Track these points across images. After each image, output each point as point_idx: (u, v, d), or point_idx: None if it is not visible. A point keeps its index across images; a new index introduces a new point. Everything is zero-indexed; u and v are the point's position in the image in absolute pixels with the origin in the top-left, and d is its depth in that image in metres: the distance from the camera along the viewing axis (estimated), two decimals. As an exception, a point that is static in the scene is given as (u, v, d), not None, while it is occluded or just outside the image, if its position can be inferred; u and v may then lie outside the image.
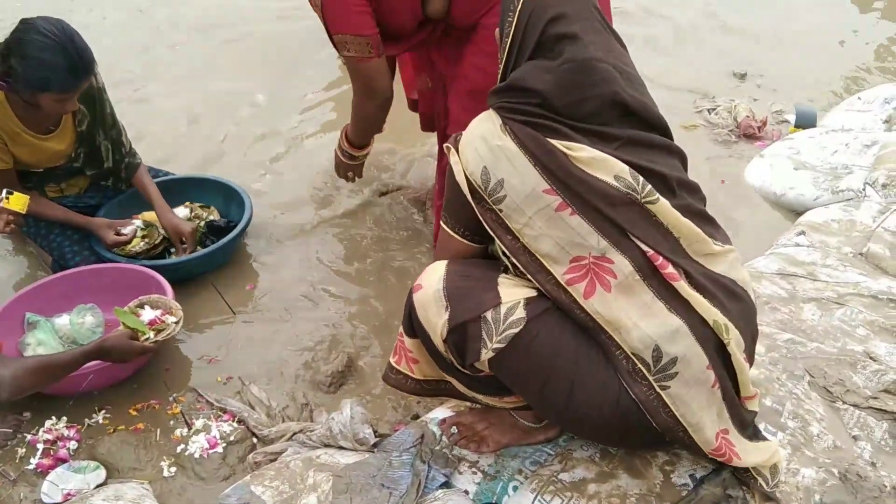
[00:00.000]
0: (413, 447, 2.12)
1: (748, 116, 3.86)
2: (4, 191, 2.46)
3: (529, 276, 1.77)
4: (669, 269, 1.71)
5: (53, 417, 2.39)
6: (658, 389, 1.71)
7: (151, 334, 2.37)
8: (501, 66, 1.87)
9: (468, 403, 2.18)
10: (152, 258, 2.97)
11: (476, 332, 1.75)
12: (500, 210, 1.77)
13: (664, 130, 1.89)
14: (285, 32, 5.00)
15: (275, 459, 2.20)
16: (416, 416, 2.36)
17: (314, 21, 2.68)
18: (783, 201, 3.35)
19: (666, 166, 1.82)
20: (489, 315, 1.74)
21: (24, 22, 2.61)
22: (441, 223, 1.96)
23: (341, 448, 2.17)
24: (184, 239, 3.00)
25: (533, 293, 1.77)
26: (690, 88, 4.27)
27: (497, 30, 1.92)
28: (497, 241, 1.82)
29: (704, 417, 1.74)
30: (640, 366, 1.71)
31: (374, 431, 2.22)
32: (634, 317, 1.69)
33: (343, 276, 3.05)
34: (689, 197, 1.83)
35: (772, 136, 3.80)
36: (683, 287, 1.71)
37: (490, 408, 2.07)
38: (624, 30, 4.31)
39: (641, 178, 1.74)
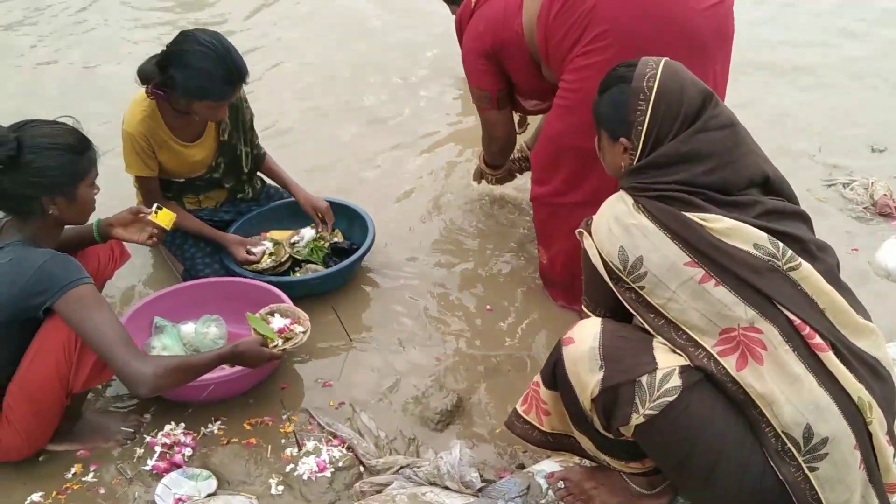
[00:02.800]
0: (519, 497, 2.11)
1: (885, 195, 3.73)
2: (155, 205, 2.57)
3: (679, 353, 1.75)
4: (817, 340, 1.69)
5: (172, 423, 2.47)
6: (807, 471, 1.67)
7: (280, 342, 2.43)
8: (637, 151, 1.88)
9: (578, 459, 2.16)
10: (277, 276, 3.05)
11: (629, 396, 1.73)
12: (642, 287, 1.78)
13: (794, 199, 1.90)
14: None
15: (380, 491, 2.22)
16: (522, 466, 2.34)
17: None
18: (917, 286, 3.21)
19: (801, 231, 1.81)
20: (644, 380, 1.72)
21: (183, 34, 2.78)
22: (582, 307, 1.99)
23: (447, 488, 2.17)
24: (321, 214, 3.22)
25: (688, 362, 1.75)
26: (824, 160, 4.15)
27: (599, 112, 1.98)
28: (640, 320, 1.81)
29: (850, 502, 1.69)
30: (789, 445, 1.67)
31: (480, 476, 2.21)
32: (787, 392, 1.66)
33: (458, 310, 3.07)
34: (828, 259, 1.82)
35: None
36: (831, 359, 1.68)
37: (601, 467, 2.05)
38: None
39: (781, 245, 1.74)
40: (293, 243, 3.20)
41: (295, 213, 3.31)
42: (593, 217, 1.91)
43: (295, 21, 5.84)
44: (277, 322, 2.51)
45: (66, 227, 2.41)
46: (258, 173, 3.36)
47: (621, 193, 1.88)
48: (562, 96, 2.64)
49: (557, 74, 2.67)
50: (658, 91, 1.84)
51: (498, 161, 3.39)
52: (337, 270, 3.03)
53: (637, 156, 1.88)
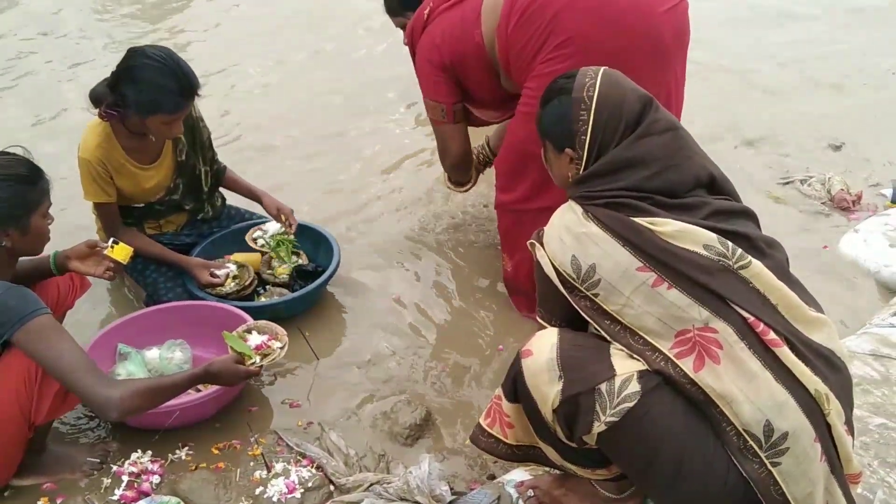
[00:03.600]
0: (489, 507, 2.11)
1: (842, 189, 3.78)
2: (111, 240, 2.55)
3: (636, 358, 1.76)
4: (771, 336, 1.71)
5: (139, 451, 2.44)
6: (769, 466, 1.69)
7: (258, 359, 2.41)
8: (583, 161, 1.90)
9: (548, 468, 2.16)
10: (241, 299, 3.04)
11: (589, 404, 1.74)
12: (596, 295, 1.79)
13: (737, 197, 1.95)
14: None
15: (351, 509, 2.22)
16: (493, 476, 2.34)
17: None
18: (877, 278, 3.26)
19: (749, 229, 1.84)
20: (603, 387, 1.74)
21: (131, 50, 2.77)
22: (537, 317, 2.01)
23: (417, 503, 2.17)
24: (284, 216, 3.22)
25: (646, 366, 1.76)
26: (780, 159, 4.21)
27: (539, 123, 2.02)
28: (595, 327, 1.83)
29: (814, 494, 1.71)
30: (751, 442, 1.69)
31: (451, 488, 2.21)
32: (745, 389, 1.68)
33: (425, 328, 3.07)
34: (777, 255, 1.85)
35: (867, 210, 3.72)
36: (786, 354, 1.70)
37: (570, 474, 2.06)
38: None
39: (731, 244, 1.77)
40: (255, 238, 3.21)
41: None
42: (544, 228, 1.93)
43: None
44: (255, 339, 2.50)
45: (22, 258, 2.38)
46: (220, 189, 3.35)
47: (570, 203, 1.90)
48: (525, 103, 2.65)
49: (519, 82, 2.69)
50: (598, 100, 1.88)
51: (455, 175, 3.38)
52: (303, 294, 3.02)
53: (583, 165, 1.90)
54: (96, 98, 2.84)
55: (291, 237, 3.21)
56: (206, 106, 3.19)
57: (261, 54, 5.64)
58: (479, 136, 3.45)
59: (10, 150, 2.26)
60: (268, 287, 3.16)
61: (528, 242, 1.96)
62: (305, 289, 3.03)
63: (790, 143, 4.36)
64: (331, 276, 3.11)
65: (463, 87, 2.93)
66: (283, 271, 3.19)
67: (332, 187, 4.06)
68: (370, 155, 4.37)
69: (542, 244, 1.91)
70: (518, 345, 2.78)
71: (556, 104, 1.94)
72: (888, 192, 3.78)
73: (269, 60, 5.57)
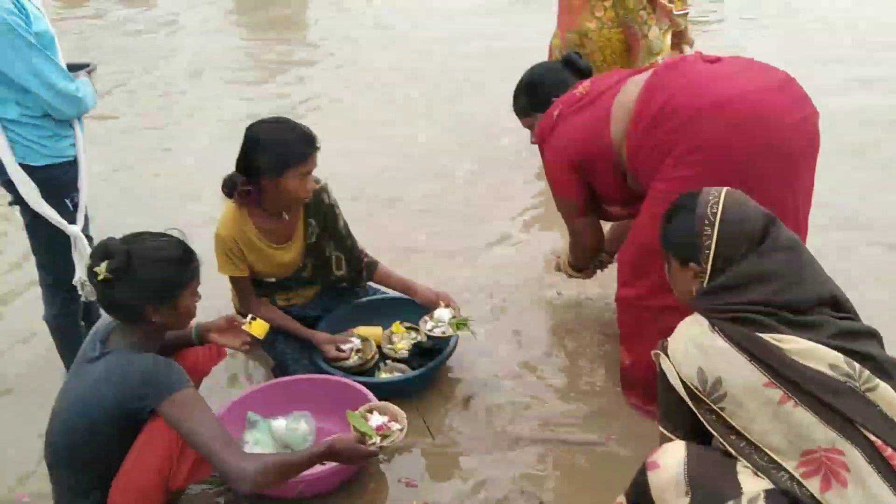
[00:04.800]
0: None
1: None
2: (249, 316, 2.72)
3: (762, 476, 1.78)
4: None
5: (262, 519, 2.56)
6: None
7: (378, 439, 2.49)
8: (707, 275, 1.94)
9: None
10: (363, 372, 3.16)
11: None
12: (723, 408, 1.82)
13: (857, 317, 1.96)
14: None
15: None
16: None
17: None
18: None
19: (874, 350, 1.84)
20: None
21: (248, 128, 3.02)
22: (660, 427, 2.04)
23: None
24: (446, 302, 3.30)
25: (771, 485, 1.77)
26: None
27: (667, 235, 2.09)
28: (721, 442, 1.85)
29: None
30: None
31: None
32: None
33: (542, 416, 3.08)
34: None
35: None
36: None
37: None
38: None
39: (857, 365, 1.77)
40: (431, 329, 3.24)
41: (378, 310, 3.46)
42: (668, 339, 1.97)
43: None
44: (376, 419, 2.57)
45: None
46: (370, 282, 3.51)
47: (696, 315, 1.94)
48: (651, 203, 2.69)
49: (646, 183, 2.74)
50: (722, 216, 1.94)
51: (584, 262, 3.45)
52: (423, 373, 3.12)
53: (706, 279, 1.94)
54: (229, 185, 3.06)
55: (465, 317, 3.29)
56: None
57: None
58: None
59: (168, 232, 2.45)
60: (388, 361, 3.27)
61: (652, 353, 2.00)
62: (424, 368, 3.13)
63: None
64: (450, 354, 3.20)
65: (591, 185, 3.00)
66: (402, 346, 3.29)
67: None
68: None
69: (667, 354, 1.95)
70: (630, 429, 2.85)
71: (680, 219, 2.01)
72: None
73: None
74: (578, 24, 4.46)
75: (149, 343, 2.43)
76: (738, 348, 1.82)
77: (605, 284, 3.71)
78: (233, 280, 3.20)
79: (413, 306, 3.42)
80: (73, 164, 2.94)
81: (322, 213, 3.25)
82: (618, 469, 2.62)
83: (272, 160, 2.93)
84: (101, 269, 2.28)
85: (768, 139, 2.50)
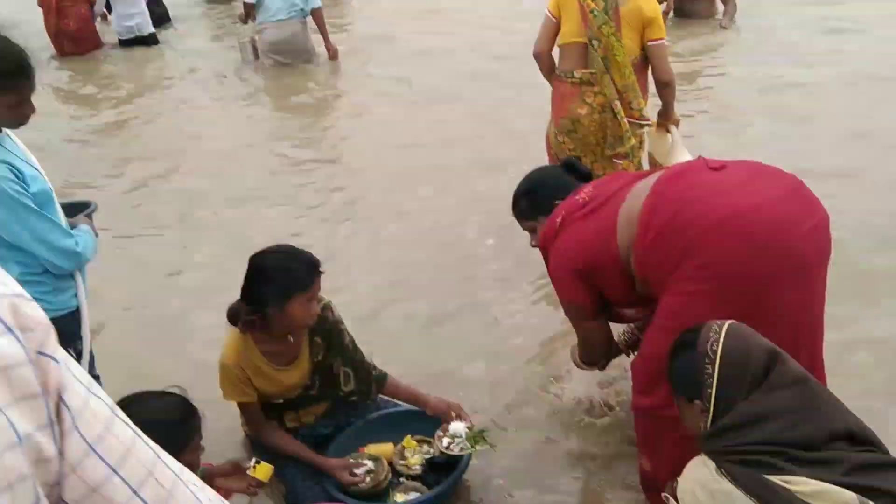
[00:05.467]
0: None
1: None
2: (253, 460, 2.67)
3: None
4: None
5: None
6: None
7: None
8: (710, 415, 1.90)
9: None
10: (377, 494, 3.09)
11: None
12: None
13: (881, 445, 1.89)
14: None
15: None
16: None
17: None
18: None
19: (892, 484, 1.78)
20: None
21: (251, 259, 3.02)
22: None
23: None
24: (456, 413, 3.22)
25: None
26: None
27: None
28: None
29: None
30: None
31: None
32: None
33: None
34: None
35: None
36: None
37: None
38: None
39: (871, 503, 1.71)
40: (447, 447, 3.14)
41: (389, 423, 3.40)
42: (678, 480, 1.91)
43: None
44: None
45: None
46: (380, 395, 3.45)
47: (703, 457, 1.90)
48: (663, 317, 2.62)
49: (657, 292, 2.67)
50: (722, 353, 1.91)
51: (594, 361, 3.37)
52: (443, 490, 3.05)
53: (710, 417, 1.90)
54: (234, 314, 3.06)
55: (482, 429, 3.22)
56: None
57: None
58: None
59: (169, 390, 2.42)
60: (402, 479, 3.20)
61: (662, 495, 1.95)
62: (439, 488, 3.05)
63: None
64: (465, 468, 3.13)
65: (599, 290, 2.93)
66: (415, 462, 3.22)
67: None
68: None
69: (675, 498, 1.90)
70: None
71: (682, 358, 1.98)
72: None
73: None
74: (570, 111, 4.56)
75: None
76: (747, 492, 1.77)
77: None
78: (241, 406, 3.16)
79: (423, 417, 3.35)
80: (74, 315, 2.94)
81: (327, 330, 3.22)
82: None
83: (278, 289, 2.91)
84: None
85: (783, 252, 2.42)
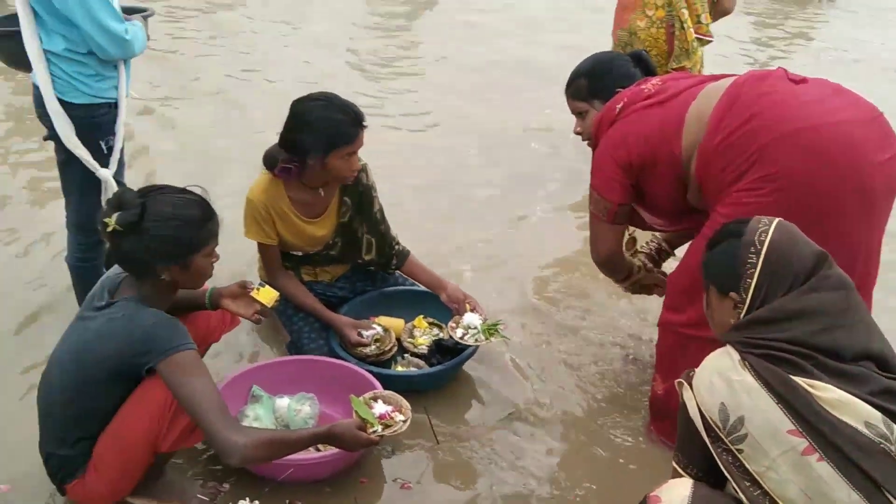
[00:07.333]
0: None
1: None
2: (258, 282, 2.62)
3: None
4: None
5: (247, 498, 2.45)
6: None
7: (379, 428, 2.39)
8: (746, 306, 1.81)
9: None
10: (379, 363, 3.06)
11: None
12: (740, 451, 1.69)
13: None
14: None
15: None
16: None
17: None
18: None
19: None
20: None
21: (294, 102, 2.93)
22: (673, 462, 1.91)
23: None
24: (472, 306, 3.18)
25: None
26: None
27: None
28: (733, 486, 1.71)
29: None
30: None
31: None
32: None
33: (549, 432, 2.94)
34: None
35: None
36: None
37: None
38: None
39: None
40: (462, 337, 3.06)
41: (405, 300, 3.36)
42: (695, 369, 1.83)
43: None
44: (380, 408, 2.48)
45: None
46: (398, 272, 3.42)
47: (727, 348, 1.81)
48: (711, 227, 2.46)
49: (710, 203, 2.55)
50: (770, 246, 1.81)
51: (602, 272, 3.18)
52: (439, 371, 3.02)
53: (745, 310, 1.81)
54: (271, 159, 3.00)
55: (497, 321, 3.15)
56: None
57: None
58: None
59: (191, 188, 2.37)
60: (406, 355, 3.16)
61: (676, 382, 1.87)
62: (441, 366, 3.02)
63: None
64: (469, 356, 3.09)
65: (640, 191, 2.78)
66: (422, 342, 3.18)
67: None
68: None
69: (690, 385, 1.82)
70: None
71: (725, 246, 1.88)
72: None
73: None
74: (630, 21, 4.54)
75: (157, 299, 2.35)
76: (767, 388, 1.68)
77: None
78: (260, 247, 3.13)
79: (438, 303, 3.31)
80: (112, 107, 2.90)
81: (359, 192, 3.17)
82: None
83: (321, 139, 2.86)
84: (111, 220, 2.20)
85: (854, 175, 2.30)
